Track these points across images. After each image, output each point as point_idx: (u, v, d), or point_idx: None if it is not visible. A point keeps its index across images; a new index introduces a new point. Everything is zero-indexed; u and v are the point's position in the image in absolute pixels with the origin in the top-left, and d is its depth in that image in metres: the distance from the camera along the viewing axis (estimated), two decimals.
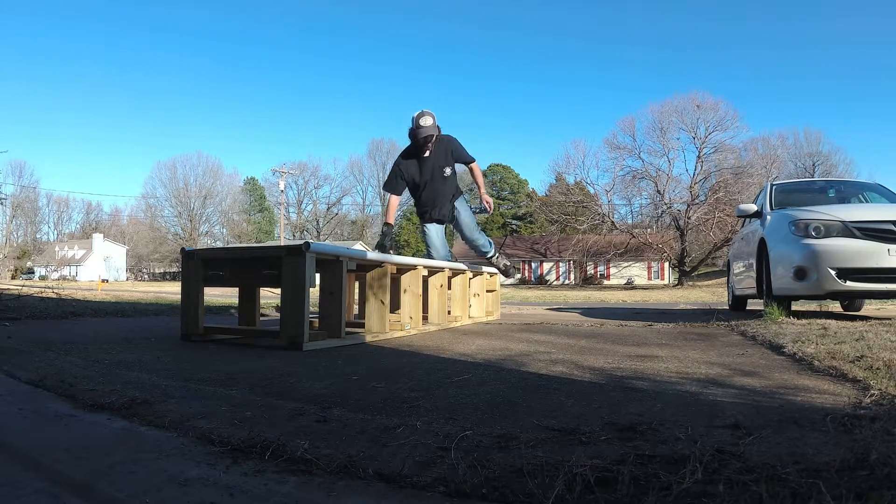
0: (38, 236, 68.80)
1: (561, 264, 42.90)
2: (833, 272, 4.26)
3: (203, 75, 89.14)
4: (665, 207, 37.95)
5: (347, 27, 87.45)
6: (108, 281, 42.12)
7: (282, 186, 48.34)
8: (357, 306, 4.92)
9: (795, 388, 1.80)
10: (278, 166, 48.89)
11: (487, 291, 5.57)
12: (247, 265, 3.57)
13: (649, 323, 4.83)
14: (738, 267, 6.61)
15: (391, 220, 4.79)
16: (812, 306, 7.13)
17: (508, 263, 5.07)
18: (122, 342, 3.03)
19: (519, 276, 43.42)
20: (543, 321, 5.10)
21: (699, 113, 37.37)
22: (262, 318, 4.39)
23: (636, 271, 41.26)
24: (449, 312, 4.65)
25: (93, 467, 1.02)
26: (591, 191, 40.52)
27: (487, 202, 4.91)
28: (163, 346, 2.95)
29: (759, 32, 74.99)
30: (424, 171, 4.53)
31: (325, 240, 56.02)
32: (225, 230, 63.09)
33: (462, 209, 4.74)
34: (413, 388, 1.83)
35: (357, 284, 4.82)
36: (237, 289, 3.88)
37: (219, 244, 59.79)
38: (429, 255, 4.70)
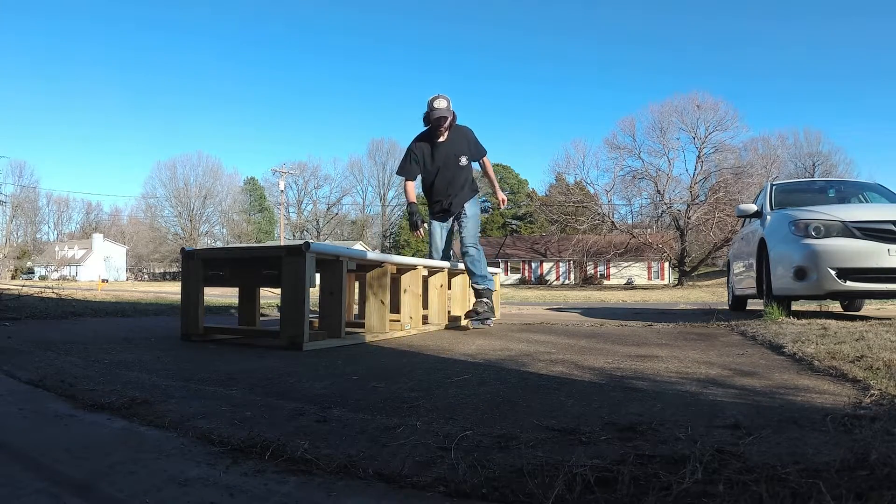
0: (38, 236, 68.85)
1: (561, 264, 42.91)
2: (833, 272, 4.27)
3: (203, 75, 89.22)
4: (665, 207, 37.96)
5: (347, 27, 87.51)
6: (108, 281, 42.13)
7: (282, 186, 48.36)
8: (357, 306, 4.92)
9: (795, 388, 1.80)
10: (278, 166, 48.91)
11: None
12: (247, 265, 3.57)
13: (649, 323, 4.83)
14: (738, 267, 6.61)
15: (413, 199, 4.39)
16: (812, 306, 7.12)
17: (487, 309, 4.16)
18: (122, 342, 3.03)
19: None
20: (543, 321, 5.10)
21: (699, 113, 37.38)
22: (262, 318, 4.39)
23: (636, 271, 41.27)
24: (449, 312, 4.65)
25: (93, 467, 1.02)
26: (591, 191, 40.54)
27: (503, 199, 4.69)
28: (163, 346, 2.95)
29: (760, 32, 75.03)
30: (437, 157, 4.27)
31: (325, 240, 56.04)
32: (225, 230, 63.12)
33: (471, 214, 4.35)
34: (413, 388, 1.83)
35: (357, 284, 4.82)
36: (237, 289, 3.88)
37: (219, 244, 59.81)
38: (429, 255, 4.52)
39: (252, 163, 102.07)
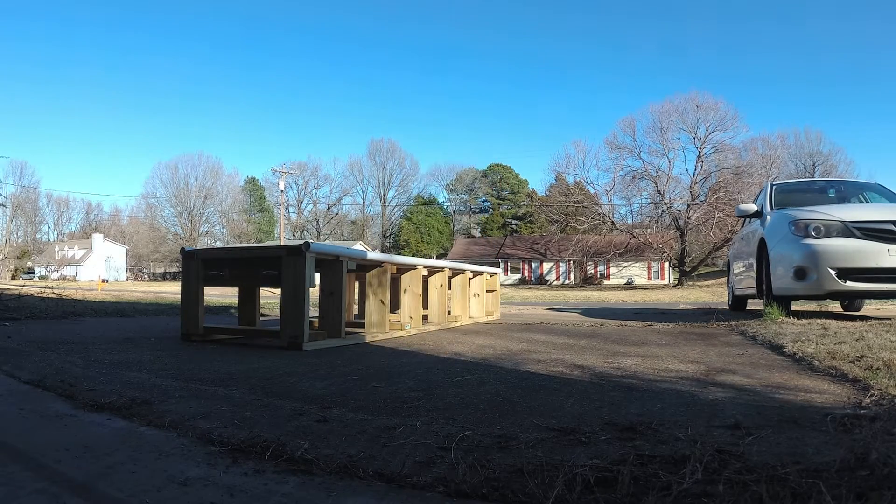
0: (38, 236, 68.86)
1: (561, 264, 42.89)
2: (833, 272, 4.27)
3: (204, 76, 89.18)
4: (665, 207, 37.96)
5: (348, 28, 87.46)
6: (108, 281, 42.13)
7: (282, 186, 48.33)
8: (357, 306, 4.92)
9: (795, 388, 1.80)
10: (278, 166, 48.87)
11: (487, 291, 5.57)
12: (247, 265, 3.57)
13: (649, 323, 4.83)
14: (738, 267, 6.61)
15: None
16: (812, 306, 7.12)
17: None
18: (122, 342, 3.03)
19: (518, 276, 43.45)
20: (543, 321, 5.10)
21: (699, 113, 37.38)
22: (262, 318, 4.39)
23: (636, 271, 41.25)
24: (449, 312, 4.65)
25: (93, 467, 1.02)
26: (591, 191, 40.54)
27: None
28: (163, 346, 2.95)
29: (760, 33, 75.02)
30: None
31: (325, 240, 56.05)
32: (225, 230, 63.13)
33: None
34: (413, 388, 1.83)
35: (357, 284, 4.82)
36: (237, 289, 3.88)
37: (219, 244, 59.81)
38: None
39: (252, 163, 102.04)
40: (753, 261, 5.47)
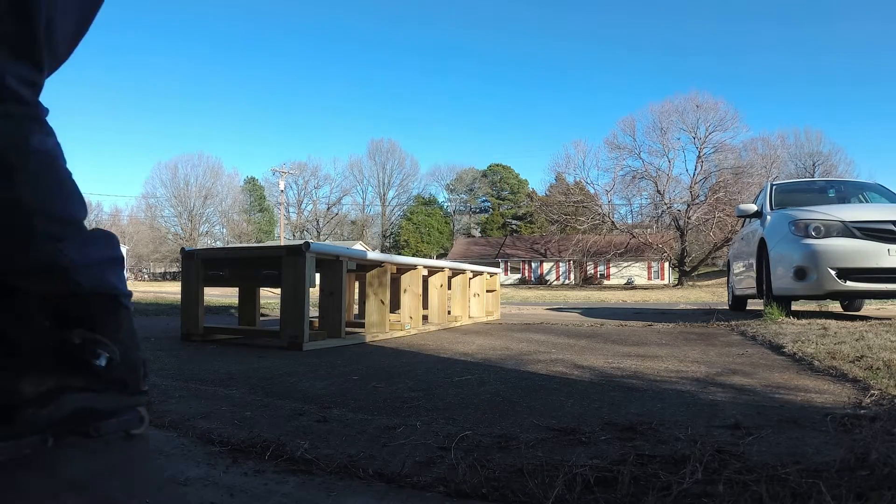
0: None
1: (561, 264, 42.90)
2: (833, 272, 4.27)
3: (204, 76, 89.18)
4: (665, 207, 37.99)
5: (347, 28, 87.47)
6: None
7: (282, 186, 48.37)
8: (357, 306, 4.92)
9: (795, 388, 1.80)
10: (278, 166, 48.91)
11: (487, 291, 5.58)
12: (247, 265, 3.57)
13: (649, 323, 4.83)
14: (738, 267, 6.62)
15: None
16: (812, 306, 7.13)
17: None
18: None
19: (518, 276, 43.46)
20: (543, 321, 5.10)
21: (699, 113, 37.44)
22: (262, 318, 4.39)
23: (636, 271, 41.25)
24: (449, 312, 4.65)
25: (92, 467, 1.02)
26: (591, 191, 40.59)
27: None
28: (163, 346, 2.95)
29: (760, 33, 75.03)
30: None
31: (325, 240, 56.05)
32: (225, 230, 63.13)
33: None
34: (413, 388, 1.83)
35: (357, 284, 4.82)
36: (237, 289, 3.88)
37: (219, 244, 59.82)
38: None
39: (252, 163, 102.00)
40: (753, 261, 5.47)
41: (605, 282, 40.82)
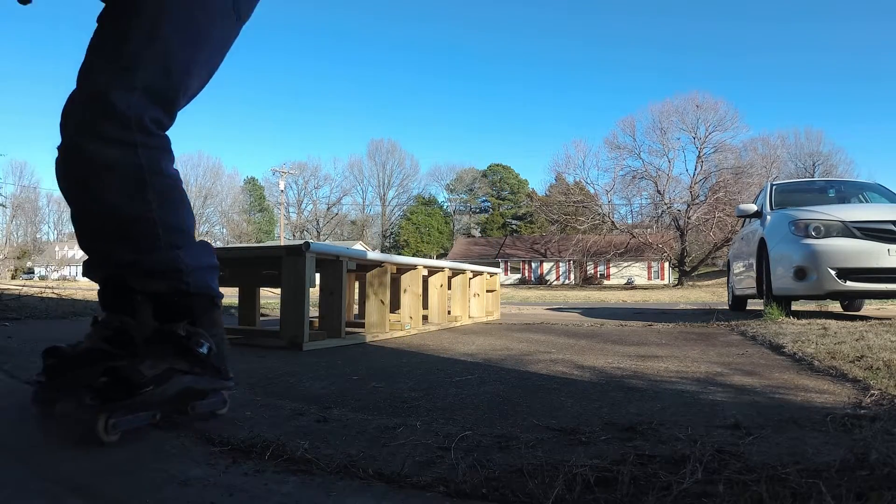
0: (38, 236, 68.87)
1: (561, 264, 42.90)
2: (833, 272, 4.27)
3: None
4: (665, 207, 38.00)
5: (347, 28, 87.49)
6: None
7: (282, 186, 48.38)
8: (357, 306, 4.92)
9: (795, 388, 1.80)
10: (278, 166, 48.90)
11: (487, 291, 5.57)
12: (247, 265, 3.57)
13: (649, 323, 4.83)
14: (738, 267, 6.61)
15: None
16: (812, 306, 7.13)
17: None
18: None
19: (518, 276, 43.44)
20: (543, 321, 5.10)
21: (699, 113, 37.47)
22: (262, 318, 4.39)
23: (636, 271, 41.24)
24: (449, 312, 4.65)
25: (93, 467, 1.02)
26: (591, 191, 40.63)
27: None
28: None
29: (760, 32, 75.02)
30: None
31: (325, 240, 56.04)
32: (225, 230, 63.15)
33: None
34: (413, 388, 1.83)
35: (357, 284, 4.82)
36: (237, 289, 3.88)
37: (219, 244, 59.77)
38: None
39: (252, 163, 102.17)
40: (753, 261, 5.47)
41: (605, 282, 40.81)
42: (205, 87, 1.34)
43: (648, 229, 38.72)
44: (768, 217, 5.27)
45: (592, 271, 42.02)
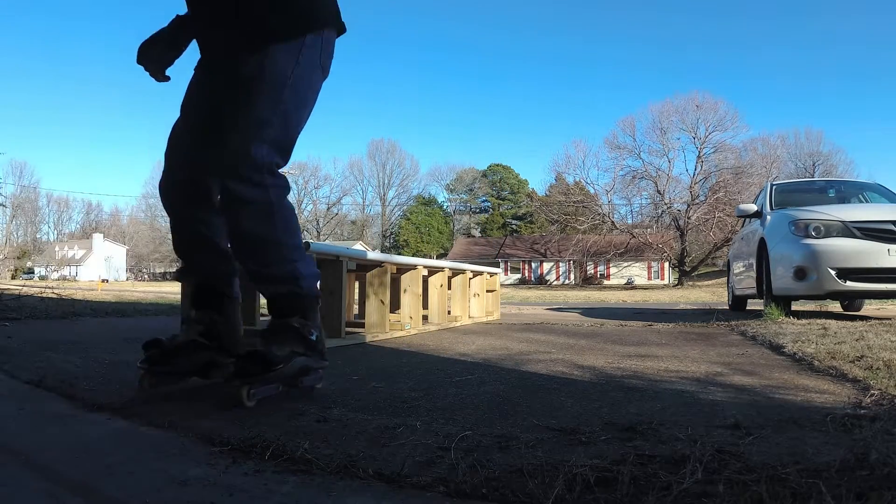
0: (38, 236, 68.85)
1: (561, 264, 42.88)
2: (833, 272, 4.27)
3: None
4: (665, 207, 38.00)
5: (347, 27, 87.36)
6: (108, 281, 42.12)
7: None
8: (357, 306, 4.92)
9: (795, 388, 1.80)
10: None
11: (487, 291, 5.57)
12: None
13: (649, 323, 4.83)
14: (738, 267, 6.61)
15: None
16: (812, 306, 7.13)
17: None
18: (122, 342, 3.03)
19: (518, 276, 43.43)
20: (543, 321, 5.10)
21: (699, 113, 37.47)
22: (262, 318, 4.39)
23: (636, 271, 41.23)
24: (449, 312, 4.65)
25: (93, 467, 1.02)
26: (591, 191, 40.63)
27: None
28: None
29: (760, 32, 75.03)
30: None
31: (325, 240, 56.01)
32: None
33: None
34: (413, 388, 1.83)
35: (357, 284, 4.82)
36: None
37: None
38: None
39: None
40: (753, 261, 5.47)
41: (605, 282, 40.80)
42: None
43: (648, 229, 38.71)
44: (768, 217, 5.27)
45: (592, 271, 42.00)
